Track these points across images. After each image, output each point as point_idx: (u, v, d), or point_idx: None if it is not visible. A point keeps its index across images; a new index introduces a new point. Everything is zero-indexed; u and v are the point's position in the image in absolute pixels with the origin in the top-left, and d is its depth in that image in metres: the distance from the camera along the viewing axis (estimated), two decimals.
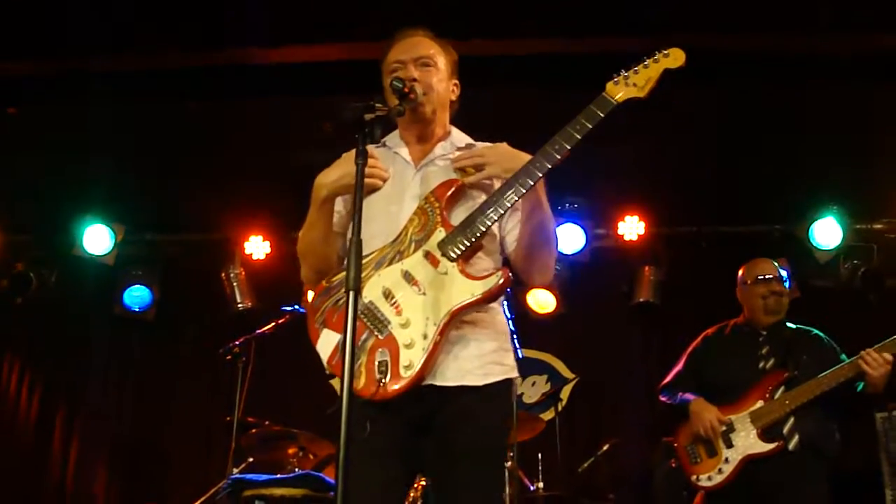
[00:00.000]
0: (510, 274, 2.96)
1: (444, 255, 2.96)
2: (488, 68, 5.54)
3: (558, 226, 7.37)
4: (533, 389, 7.82)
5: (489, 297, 2.92)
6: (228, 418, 6.10)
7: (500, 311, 3.19)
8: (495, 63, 5.80)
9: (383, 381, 2.89)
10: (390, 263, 3.03)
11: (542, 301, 7.80)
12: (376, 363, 2.92)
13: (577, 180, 7.35)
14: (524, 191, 2.94)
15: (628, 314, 7.89)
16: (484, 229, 2.96)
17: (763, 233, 7.76)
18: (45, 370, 8.53)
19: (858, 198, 7.23)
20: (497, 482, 3.13)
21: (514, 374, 3.15)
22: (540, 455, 6.41)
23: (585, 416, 8.01)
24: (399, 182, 3.19)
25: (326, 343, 3.04)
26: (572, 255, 7.54)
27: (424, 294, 2.95)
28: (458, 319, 2.97)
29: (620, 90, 3.00)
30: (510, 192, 2.94)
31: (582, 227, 7.52)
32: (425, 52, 3.22)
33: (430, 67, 3.21)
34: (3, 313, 8.34)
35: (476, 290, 2.91)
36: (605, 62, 3.08)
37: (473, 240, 2.95)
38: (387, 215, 3.11)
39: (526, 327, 6.95)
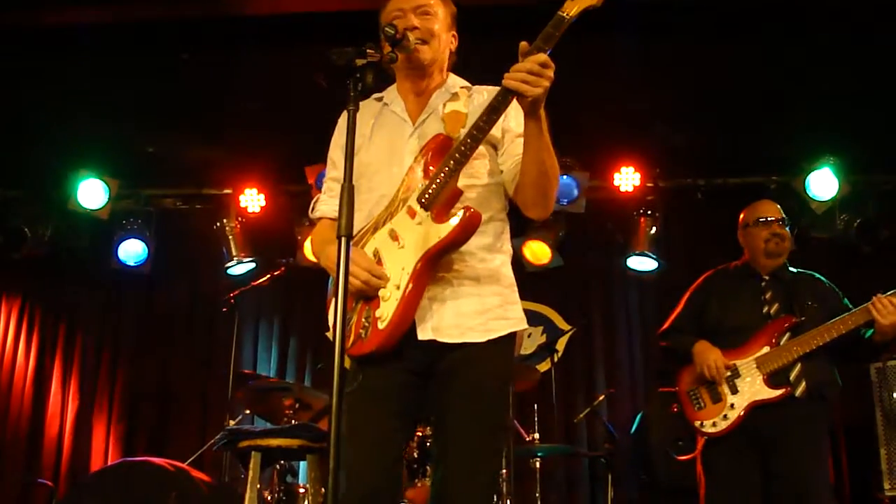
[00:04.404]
0: (475, 211, 2.90)
1: (421, 206, 2.93)
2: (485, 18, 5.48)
3: None
4: (529, 341, 7.83)
5: (456, 238, 2.89)
6: (225, 371, 6.12)
7: (505, 264, 3.17)
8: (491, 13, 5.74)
9: (363, 336, 2.92)
10: (383, 225, 3.04)
11: (537, 253, 7.79)
12: (363, 320, 2.95)
13: (573, 131, 7.31)
14: (489, 128, 2.91)
15: (624, 265, 7.88)
16: (452, 174, 2.91)
17: (759, 184, 7.72)
18: (41, 325, 8.55)
19: (855, 149, 7.20)
20: (497, 424, 3.13)
21: (521, 326, 3.14)
22: (536, 406, 6.44)
23: (581, 368, 8.05)
24: (397, 141, 3.16)
25: (332, 311, 3.07)
26: (568, 205, 7.50)
27: (403, 247, 2.94)
28: (444, 269, 2.98)
29: (576, 4, 2.87)
30: (475, 132, 2.91)
31: (577, 179, 7.48)
32: (424, 1, 3.17)
33: (430, 15, 3.16)
34: None
35: (441, 232, 2.88)
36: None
37: (444, 186, 2.91)
38: (390, 178, 3.10)
39: (522, 279, 6.93)
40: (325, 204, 3.31)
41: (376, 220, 3.07)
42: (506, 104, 2.88)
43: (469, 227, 2.89)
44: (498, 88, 3.10)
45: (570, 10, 2.87)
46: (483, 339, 3.00)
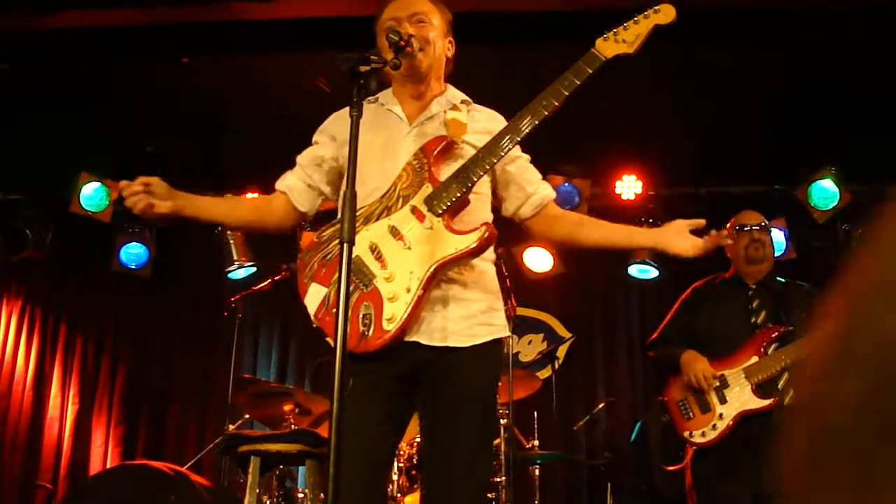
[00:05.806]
0: (493, 229, 2.96)
1: (430, 210, 2.96)
2: (482, 25, 5.50)
3: (556, 185, 7.40)
4: (529, 348, 7.84)
5: (472, 252, 2.94)
6: (225, 375, 6.12)
7: (490, 270, 3.18)
8: (488, 20, 5.76)
9: (366, 333, 2.92)
10: (378, 218, 3.04)
11: (539, 260, 7.79)
12: (360, 316, 2.94)
13: (575, 139, 7.32)
14: (511, 146, 2.97)
15: (625, 273, 7.88)
16: (469, 185, 2.97)
17: (761, 193, 7.73)
18: (41, 328, 8.55)
19: (856, 159, 7.20)
20: (487, 431, 3.17)
21: (504, 333, 3.16)
22: (536, 413, 6.42)
23: (581, 375, 8.04)
24: (393, 139, 3.18)
25: (314, 297, 3.08)
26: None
27: (409, 249, 2.96)
28: (444, 276, 2.99)
29: (610, 46, 2.98)
30: (497, 149, 2.97)
31: (578, 187, 7.48)
32: (419, 9, 3.21)
33: (425, 23, 3.19)
34: None
35: (459, 244, 2.92)
36: (600, 19, 3.06)
37: (459, 195, 2.96)
38: (382, 172, 3.11)
39: (523, 286, 6.97)
40: (287, 179, 3.41)
41: (370, 209, 3.07)
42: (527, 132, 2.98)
43: (487, 245, 2.96)
44: (493, 112, 3.26)
45: (605, 51, 3.01)
46: (467, 345, 3.01)
